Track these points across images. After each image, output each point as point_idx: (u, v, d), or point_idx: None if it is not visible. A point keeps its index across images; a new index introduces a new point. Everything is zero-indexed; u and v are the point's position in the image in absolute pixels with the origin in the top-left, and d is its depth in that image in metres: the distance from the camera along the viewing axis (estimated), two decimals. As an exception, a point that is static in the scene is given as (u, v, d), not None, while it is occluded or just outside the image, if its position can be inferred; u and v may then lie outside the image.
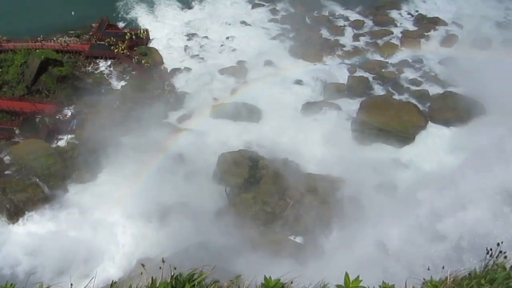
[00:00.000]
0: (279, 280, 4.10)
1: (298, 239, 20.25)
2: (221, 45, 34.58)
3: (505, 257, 5.40)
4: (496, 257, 5.50)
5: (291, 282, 4.50)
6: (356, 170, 21.63)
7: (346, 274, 4.00)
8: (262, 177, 22.61)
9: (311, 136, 24.70)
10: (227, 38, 35.32)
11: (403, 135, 24.11)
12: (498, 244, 5.32)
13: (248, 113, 26.99)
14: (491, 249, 5.52)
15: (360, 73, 30.92)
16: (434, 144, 23.75)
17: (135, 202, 21.24)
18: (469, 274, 5.60)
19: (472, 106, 24.27)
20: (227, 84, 30.36)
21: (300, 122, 26.29)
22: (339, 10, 39.18)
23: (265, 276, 4.03)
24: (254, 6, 40.21)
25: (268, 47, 34.09)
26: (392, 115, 24.87)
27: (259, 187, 22.26)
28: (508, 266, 5.40)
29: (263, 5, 40.03)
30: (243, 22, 37.50)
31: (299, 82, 29.88)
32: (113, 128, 24.20)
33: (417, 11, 38.25)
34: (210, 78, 30.69)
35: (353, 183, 20.76)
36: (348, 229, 18.10)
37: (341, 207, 19.77)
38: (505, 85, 22.04)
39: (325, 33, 36.26)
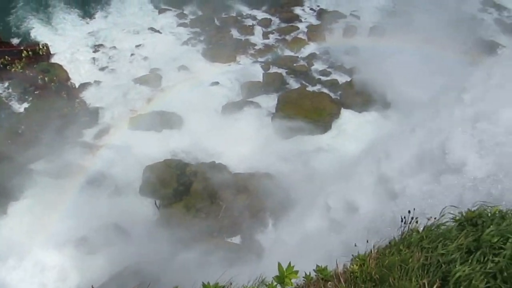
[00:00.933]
0: (217, 283, 4.08)
1: (236, 240, 20.32)
2: (131, 54, 33.36)
3: (417, 222, 5.96)
4: (410, 223, 6.05)
5: (230, 284, 4.49)
6: (282, 163, 22.35)
7: (279, 264, 4.11)
8: (192, 184, 22.29)
9: (235, 136, 24.91)
10: (137, 46, 34.18)
11: (321, 124, 25.44)
12: (409, 212, 5.85)
13: (168, 121, 26.41)
14: (404, 217, 6.05)
15: (274, 69, 31.89)
16: (349, 128, 25.43)
17: (56, 232, 19.60)
18: (390, 242, 6.09)
19: (376, 90, 26.40)
20: (142, 94, 29.40)
21: (222, 123, 26.38)
22: (246, 10, 40.01)
23: (203, 282, 3.99)
24: (161, 11, 39.43)
25: (180, 52, 33.68)
26: (308, 106, 26.11)
27: (190, 195, 21.91)
28: (420, 229, 5.97)
29: (170, 10, 39.44)
30: (152, 29, 36.58)
31: (216, 84, 29.96)
32: (19, 156, 22.10)
33: (318, 6, 40.51)
34: (124, 90, 29.46)
35: (281, 176, 21.42)
36: (282, 220, 18.64)
37: (273, 201, 20.26)
38: (401, 68, 24.59)
39: (235, 33, 36.81)
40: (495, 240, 4.75)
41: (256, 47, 35.10)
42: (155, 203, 21.69)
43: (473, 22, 35.66)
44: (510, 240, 4.63)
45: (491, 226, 4.86)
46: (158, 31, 36.45)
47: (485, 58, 24.87)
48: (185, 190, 22.10)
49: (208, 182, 22.01)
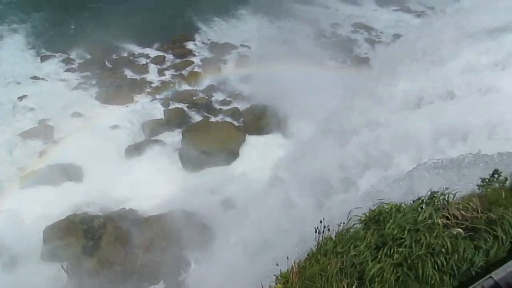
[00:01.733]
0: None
1: (160, 286, 19.19)
2: (13, 107, 30.37)
3: (329, 229, 6.25)
4: (323, 232, 6.32)
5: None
6: (196, 197, 21.95)
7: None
8: (102, 236, 20.62)
9: (142, 178, 23.90)
10: (20, 98, 31.24)
11: (229, 152, 25.72)
12: (320, 221, 6.12)
13: (67, 173, 24.32)
14: (317, 228, 6.31)
15: (174, 105, 31.63)
16: (256, 152, 26.15)
17: None
18: (308, 254, 6.27)
19: (275, 113, 27.77)
20: (32, 149, 26.73)
21: (127, 167, 25.14)
22: (137, 49, 39.42)
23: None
24: (44, 58, 36.87)
25: (71, 98, 31.62)
26: (214, 137, 26.30)
27: (101, 249, 20.20)
28: (333, 236, 6.26)
29: (54, 56, 37.09)
30: (35, 77, 33.89)
31: (115, 127, 28.61)
32: None
33: (209, 39, 41.65)
34: (9, 147, 26.47)
35: (197, 211, 20.98)
36: (204, 255, 18.16)
37: (192, 238, 19.68)
38: (293, 89, 26.42)
39: (129, 73, 35.88)
40: (395, 232, 5.21)
41: (153, 85, 34.59)
42: (62, 267, 19.50)
43: (348, 42, 39.97)
44: (406, 229, 5.11)
45: (390, 220, 5.32)
46: (43, 79, 33.92)
47: (363, 72, 27.87)
48: (95, 245, 20.33)
49: (120, 231, 20.60)
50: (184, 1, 46.02)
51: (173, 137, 27.76)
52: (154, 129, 28.50)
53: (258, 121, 28.14)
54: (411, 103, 11.84)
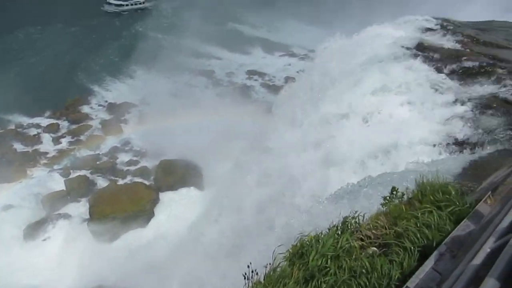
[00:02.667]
0: None
1: None
2: None
3: (257, 273, 6.37)
4: (252, 277, 6.40)
5: None
6: (113, 267, 20.30)
7: None
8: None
9: (50, 258, 21.49)
10: None
11: (142, 214, 24.58)
12: (248, 266, 6.22)
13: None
14: (245, 273, 6.38)
15: (75, 173, 29.55)
16: (171, 210, 25.40)
17: None
18: (242, 303, 6.26)
19: (184, 166, 27.62)
20: None
21: (29, 249, 22.45)
22: (26, 120, 36.49)
23: None
24: None
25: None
26: (125, 200, 24.97)
27: None
28: (262, 279, 6.37)
29: None
30: None
31: (9, 207, 25.61)
32: None
33: (106, 101, 40.44)
34: None
35: (116, 282, 19.37)
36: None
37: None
38: (197, 139, 26.85)
39: (19, 146, 32.88)
40: (320, 262, 5.53)
41: (48, 155, 32.08)
42: None
43: (245, 89, 42.12)
44: (329, 258, 5.47)
45: (313, 252, 5.65)
46: None
47: (264, 115, 29.42)
48: None
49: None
50: (75, 64, 44.56)
51: (79, 207, 25.72)
52: (55, 202, 26.10)
53: (169, 177, 27.60)
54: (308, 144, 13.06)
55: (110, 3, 60.39)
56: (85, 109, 38.79)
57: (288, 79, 41.25)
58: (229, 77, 45.43)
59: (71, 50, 47.43)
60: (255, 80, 44.58)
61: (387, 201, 6.66)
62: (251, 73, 46.09)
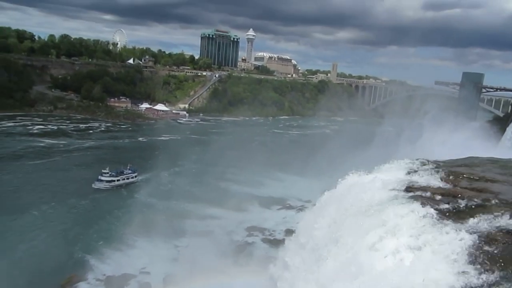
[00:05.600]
0: None
1: None
2: None
3: None
4: None
5: None
6: None
7: None
8: None
9: None
10: None
11: None
12: None
13: None
14: None
15: None
16: None
17: None
18: None
19: None
20: None
21: None
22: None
23: None
24: None
25: None
26: None
27: None
28: None
29: None
30: None
31: None
32: None
33: (104, 274, 38.80)
34: None
35: None
36: None
37: None
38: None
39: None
40: None
41: None
42: None
43: (247, 246, 41.47)
44: None
45: None
46: None
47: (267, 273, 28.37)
48: None
49: None
50: (74, 240, 44.15)
51: None
52: None
53: None
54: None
55: (101, 180, 61.33)
56: (83, 286, 36.99)
57: (288, 232, 41.23)
58: (229, 235, 45.24)
59: (69, 228, 47.62)
60: (256, 236, 44.42)
61: None
62: (251, 229, 46.21)
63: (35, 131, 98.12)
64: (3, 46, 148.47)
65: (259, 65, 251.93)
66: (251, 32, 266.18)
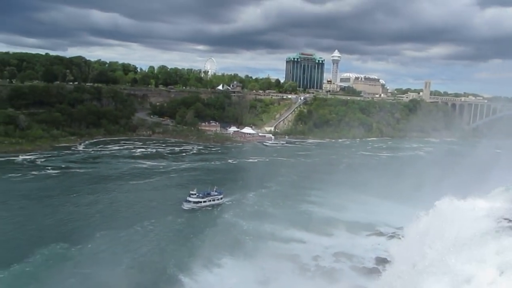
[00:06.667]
0: None
1: None
2: None
3: None
4: None
5: None
6: None
7: None
8: None
9: None
10: None
11: None
12: None
13: None
14: None
15: None
16: None
17: None
18: None
19: None
20: None
21: None
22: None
23: None
24: None
25: None
26: None
27: None
28: None
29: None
30: None
31: None
32: None
33: (193, 292, 40.35)
34: None
35: None
36: None
37: None
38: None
39: None
40: None
41: None
42: None
43: (334, 273, 39.80)
44: None
45: None
46: None
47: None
48: None
49: None
50: (167, 258, 46.60)
51: None
52: None
53: None
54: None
55: (189, 201, 64.23)
56: (174, 302, 38.72)
57: (379, 261, 38.84)
58: (315, 261, 44.01)
59: (165, 245, 50.61)
60: (343, 262, 42.54)
61: None
62: (338, 255, 44.42)
63: (137, 154, 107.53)
64: (111, 78, 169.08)
65: (345, 86, 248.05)
66: (336, 54, 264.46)
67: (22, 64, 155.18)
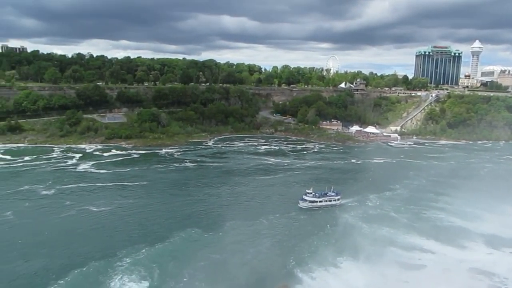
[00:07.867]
0: None
1: None
2: None
3: None
4: None
5: None
6: None
7: None
8: None
9: None
10: None
11: None
12: None
13: None
14: None
15: None
16: None
17: None
18: None
19: None
20: None
21: None
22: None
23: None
24: None
25: None
26: None
27: None
28: None
29: None
30: None
31: None
32: None
33: (311, 289, 40.59)
34: None
35: None
36: None
37: None
38: None
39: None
40: None
41: None
42: None
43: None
44: None
45: None
46: None
47: None
48: None
49: None
50: (287, 252, 47.87)
51: None
52: None
53: None
54: None
55: (304, 200, 64.26)
56: (293, 294, 39.57)
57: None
58: (446, 274, 40.23)
59: (286, 239, 52.03)
60: (481, 280, 37.97)
61: None
62: (475, 271, 39.80)
63: (261, 151, 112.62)
64: (238, 79, 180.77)
65: (487, 81, 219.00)
66: (477, 44, 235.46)
67: (164, 68, 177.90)
